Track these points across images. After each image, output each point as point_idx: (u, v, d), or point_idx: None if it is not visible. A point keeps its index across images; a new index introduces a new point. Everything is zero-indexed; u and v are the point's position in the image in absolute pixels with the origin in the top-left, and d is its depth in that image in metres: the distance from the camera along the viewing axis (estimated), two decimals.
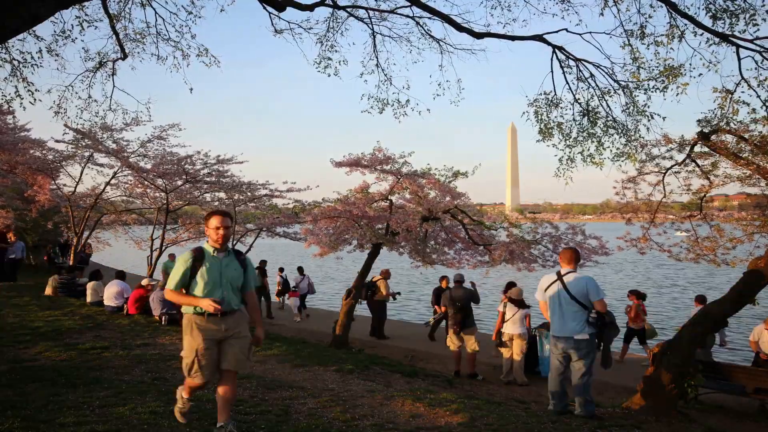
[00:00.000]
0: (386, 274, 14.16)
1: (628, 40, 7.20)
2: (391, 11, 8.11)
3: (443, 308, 11.37)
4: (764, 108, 6.78)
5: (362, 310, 15.98)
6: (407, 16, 8.17)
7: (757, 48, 6.61)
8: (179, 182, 16.71)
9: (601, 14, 7.15)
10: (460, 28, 7.49)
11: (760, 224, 7.51)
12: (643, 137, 7.73)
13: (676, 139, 7.61)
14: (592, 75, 7.76)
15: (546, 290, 6.02)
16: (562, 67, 7.80)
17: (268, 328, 13.81)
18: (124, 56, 7.95)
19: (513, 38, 7.68)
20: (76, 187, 17.52)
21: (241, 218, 18.24)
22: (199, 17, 7.95)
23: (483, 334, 12.38)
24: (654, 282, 27.52)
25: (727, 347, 11.16)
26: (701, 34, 6.80)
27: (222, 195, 18.00)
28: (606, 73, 7.68)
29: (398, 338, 13.82)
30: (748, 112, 6.73)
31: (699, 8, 6.70)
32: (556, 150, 7.93)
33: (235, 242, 17.14)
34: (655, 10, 7.03)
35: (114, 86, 8.40)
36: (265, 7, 7.41)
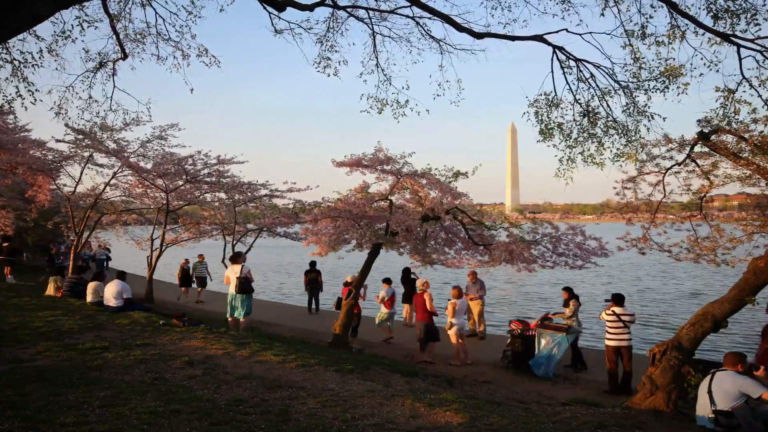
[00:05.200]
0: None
1: (629, 40, 7.20)
2: (391, 11, 8.11)
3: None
4: (765, 107, 6.78)
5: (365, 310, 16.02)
6: (407, 17, 8.18)
7: (758, 48, 6.61)
8: (179, 182, 16.72)
9: (602, 14, 7.15)
10: (460, 28, 7.48)
11: (760, 224, 7.49)
12: (643, 137, 7.73)
13: (676, 139, 7.61)
14: (592, 75, 7.76)
15: None
16: (562, 67, 7.79)
17: (267, 328, 13.83)
18: (125, 56, 7.94)
19: (513, 38, 7.68)
20: (76, 187, 17.55)
21: (241, 218, 18.26)
22: (199, 17, 7.95)
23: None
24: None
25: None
26: (702, 34, 6.79)
27: (222, 195, 18.03)
28: (606, 73, 7.69)
29: (398, 338, 13.81)
30: (749, 112, 6.73)
31: (700, 8, 6.70)
32: (556, 150, 7.94)
33: (235, 242, 17.16)
34: (655, 10, 7.03)
35: (114, 86, 8.40)
36: (265, 7, 7.41)
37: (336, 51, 8.42)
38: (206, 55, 8.25)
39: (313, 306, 17.77)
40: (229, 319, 11.05)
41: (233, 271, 11.06)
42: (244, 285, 10.95)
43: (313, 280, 17.72)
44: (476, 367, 11.04)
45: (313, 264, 17.61)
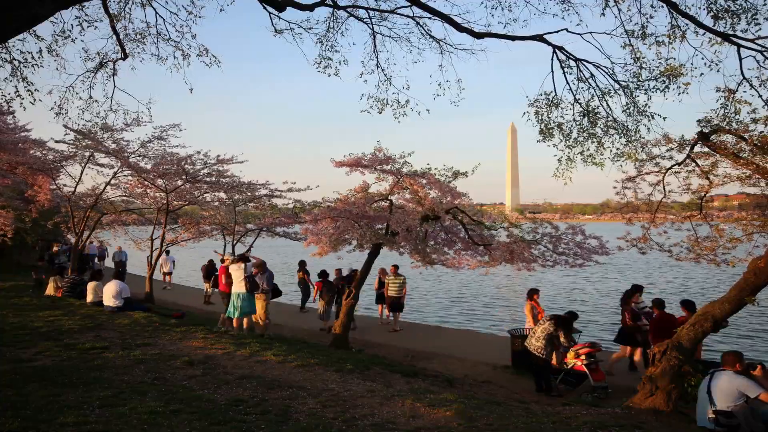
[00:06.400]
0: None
1: (629, 40, 7.18)
2: (391, 11, 8.11)
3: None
4: (765, 107, 6.78)
5: (364, 309, 16.09)
6: (407, 16, 8.17)
7: (759, 48, 6.61)
8: (179, 182, 16.71)
9: (603, 14, 7.13)
10: (460, 28, 7.48)
11: (760, 224, 7.49)
12: (643, 137, 7.73)
13: (676, 139, 7.61)
14: (592, 75, 7.76)
15: None
16: (562, 67, 7.79)
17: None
18: (125, 56, 7.93)
19: (513, 38, 7.67)
20: (76, 187, 17.55)
21: (241, 218, 18.27)
22: (200, 17, 7.95)
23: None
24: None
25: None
26: (703, 34, 6.78)
27: (222, 195, 18.03)
28: (606, 73, 7.68)
29: (398, 338, 13.82)
30: (749, 112, 6.73)
31: (700, 8, 6.69)
32: (556, 150, 7.94)
33: (235, 242, 17.17)
34: (656, 10, 7.02)
35: (114, 86, 8.39)
36: (265, 7, 7.40)
37: (336, 51, 8.41)
38: (206, 55, 8.24)
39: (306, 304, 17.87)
40: (234, 319, 11.02)
41: (237, 270, 11.05)
42: (252, 283, 11.00)
43: (302, 279, 17.78)
44: (476, 367, 11.04)
45: (302, 263, 17.68)
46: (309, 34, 8.32)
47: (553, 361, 9.73)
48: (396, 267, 15.46)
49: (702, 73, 6.92)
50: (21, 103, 6.94)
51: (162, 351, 8.03)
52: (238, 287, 11.00)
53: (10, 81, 6.94)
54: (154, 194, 17.73)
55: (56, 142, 15.76)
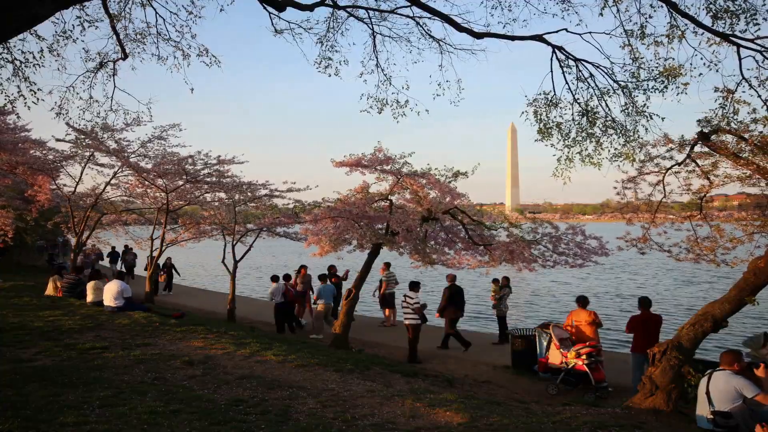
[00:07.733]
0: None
1: (628, 40, 7.18)
2: (391, 11, 8.10)
3: None
4: (765, 108, 6.78)
5: (364, 309, 16.10)
6: (407, 16, 8.16)
7: (758, 48, 6.61)
8: (180, 182, 16.72)
9: (601, 14, 7.13)
10: (460, 28, 7.48)
11: (760, 224, 7.50)
12: (641, 137, 7.73)
13: (676, 139, 7.62)
14: (591, 75, 7.75)
15: None
16: (561, 67, 7.78)
17: (267, 328, 13.81)
18: (125, 56, 7.93)
19: (513, 38, 7.67)
20: (76, 187, 17.55)
21: (241, 218, 18.27)
22: (200, 17, 7.94)
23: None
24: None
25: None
26: (702, 34, 6.78)
27: (222, 195, 18.02)
28: (605, 73, 7.68)
29: (398, 338, 13.80)
30: (749, 112, 6.74)
31: (699, 8, 6.69)
32: (555, 150, 7.94)
33: (235, 242, 17.15)
34: (655, 10, 7.02)
35: (115, 86, 8.39)
36: (265, 7, 7.40)
37: (336, 51, 8.41)
38: (206, 55, 8.23)
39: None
40: None
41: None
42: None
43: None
44: (476, 367, 11.05)
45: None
46: (309, 34, 8.31)
47: (551, 361, 9.76)
48: (387, 264, 15.69)
49: (701, 73, 6.92)
50: (25, 103, 6.95)
51: (162, 351, 8.03)
52: None
53: (13, 81, 6.96)
54: (154, 194, 17.73)
55: (57, 140, 15.79)
